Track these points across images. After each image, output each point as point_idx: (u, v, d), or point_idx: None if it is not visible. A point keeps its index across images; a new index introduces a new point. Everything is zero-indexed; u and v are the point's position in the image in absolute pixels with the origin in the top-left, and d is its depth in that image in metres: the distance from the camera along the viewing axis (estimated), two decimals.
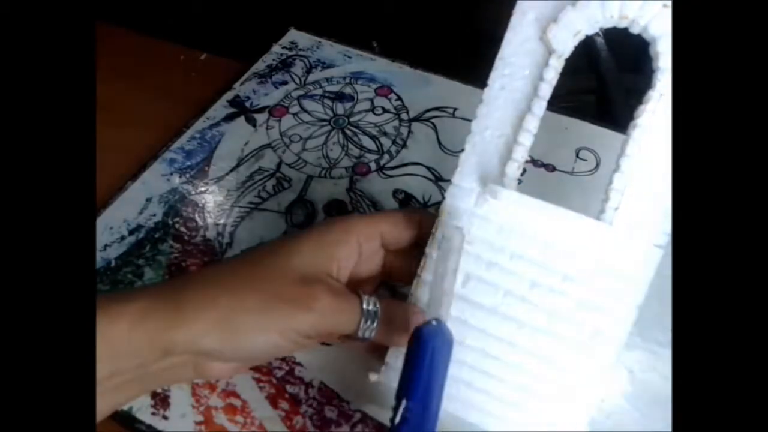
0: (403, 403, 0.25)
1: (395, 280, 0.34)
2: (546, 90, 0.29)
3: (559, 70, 0.29)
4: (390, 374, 0.31)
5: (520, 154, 0.29)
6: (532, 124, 0.29)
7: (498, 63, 0.30)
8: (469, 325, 0.30)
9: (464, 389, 0.30)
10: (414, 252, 0.32)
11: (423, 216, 0.32)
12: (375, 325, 0.29)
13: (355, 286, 0.31)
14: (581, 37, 0.29)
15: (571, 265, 0.29)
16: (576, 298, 0.29)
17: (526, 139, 0.29)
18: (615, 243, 0.28)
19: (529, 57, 0.29)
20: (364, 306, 0.29)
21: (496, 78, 0.30)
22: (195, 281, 0.29)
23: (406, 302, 0.31)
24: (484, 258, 0.30)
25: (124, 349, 0.26)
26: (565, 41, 0.28)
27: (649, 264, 0.28)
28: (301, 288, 0.28)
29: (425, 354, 0.26)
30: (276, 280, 0.28)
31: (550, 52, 0.29)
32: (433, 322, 0.27)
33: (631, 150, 0.28)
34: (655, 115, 0.28)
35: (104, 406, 0.27)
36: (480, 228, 0.30)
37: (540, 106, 0.29)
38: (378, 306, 0.29)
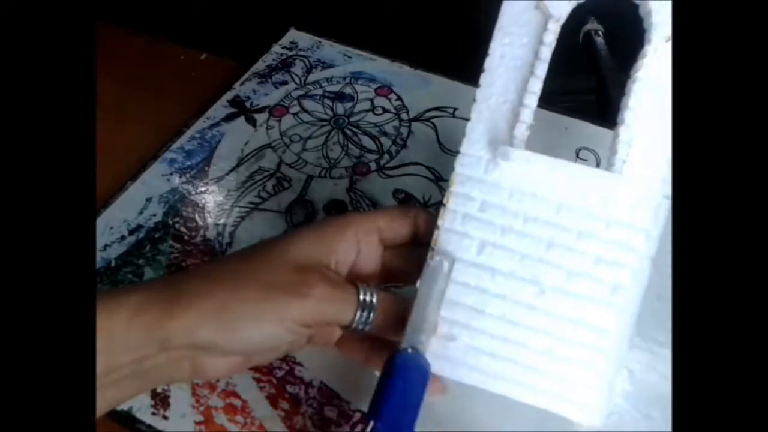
0: (371, 424, 0.26)
1: (395, 280, 0.34)
2: (546, 52, 0.30)
3: (557, 33, 0.30)
4: None
5: (527, 116, 0.30)
6: (536, 86, 0.30)
7: (497, 33, 0.31)
8: (489, 293, 0.30)
9: (488, 360, 0.29)
10: (412, 251, 0.32)
11: (418, 211, 0.32)
12: (372, 317, 0.29)
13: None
14: (575, 1, 0.30)
15: (585, 222, 0.29)
16: (593, 255, 0.29)
17: (531, 101, 0.30)
18: (625, 194, 0.29)
19: (527, 25, 0.30)
20: (361, 296, 0.29)
21: (496, 47, 0.31)
22: (192, 275, 0.29)
23: (406, 296, 0.31)
24: (497, 224, 0.30)
25: (121, 343, 0.25)
26: (561, 6, 0.30)
27: (659, 215, 0.29)
28: (297, 276, 0.28)
29: (397, 382, 0.26)
30: (272, 270, 0.28)
31: (547, 18, 0.30)
32: (409, 350, 0.27)
33: (633, 103, 0.29)
34: (653, 69, 0.29)
35: (101, 403, 0.27)
36: (491, 194, 0.30)
37: (542, 68, 0.30)
38: (376, 298, 0.29)
